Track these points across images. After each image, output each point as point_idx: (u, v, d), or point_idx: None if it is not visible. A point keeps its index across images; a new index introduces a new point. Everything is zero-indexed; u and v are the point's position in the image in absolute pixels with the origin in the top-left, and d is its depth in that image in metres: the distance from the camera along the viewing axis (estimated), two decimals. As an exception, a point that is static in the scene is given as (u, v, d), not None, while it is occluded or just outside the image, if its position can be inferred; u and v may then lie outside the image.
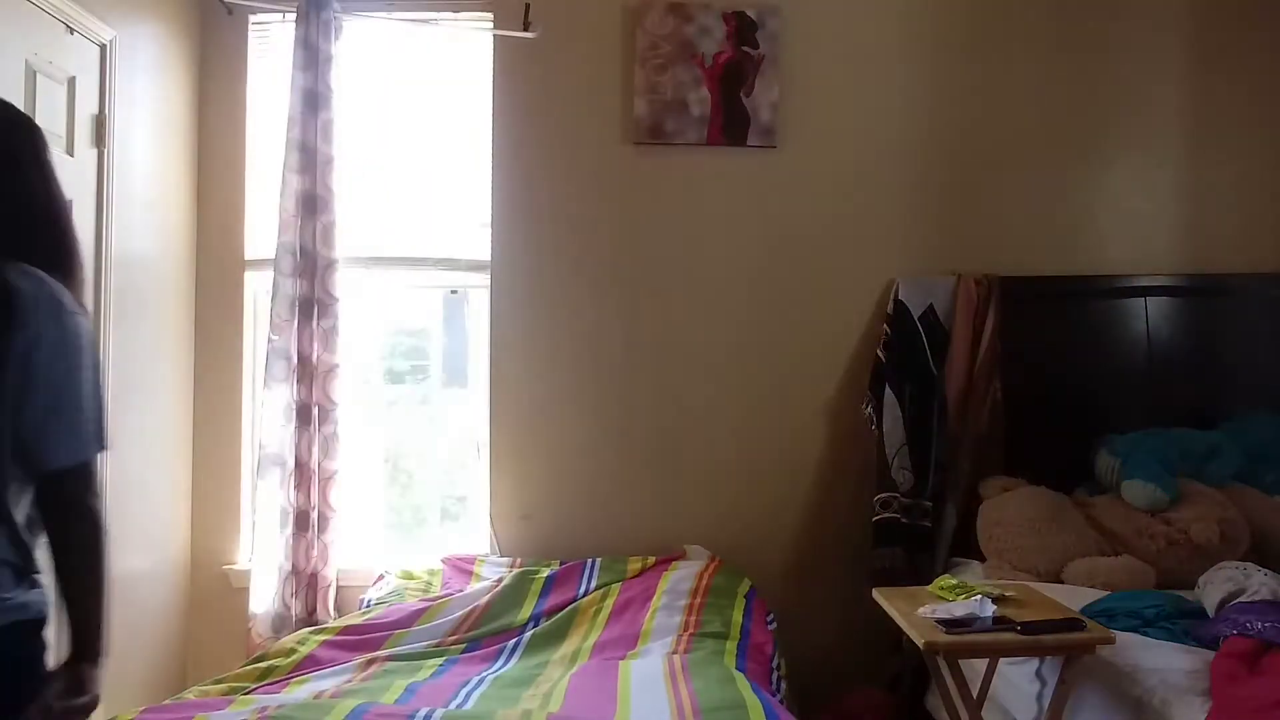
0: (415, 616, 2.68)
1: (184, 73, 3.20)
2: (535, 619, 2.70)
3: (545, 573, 2.92)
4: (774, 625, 2.84)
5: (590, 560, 3.02)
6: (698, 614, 2.64)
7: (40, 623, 1.48)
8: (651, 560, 3.02)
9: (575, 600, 2.78)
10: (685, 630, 2.53)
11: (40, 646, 1.48)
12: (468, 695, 2.15)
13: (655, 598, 2.74)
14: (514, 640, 2.61)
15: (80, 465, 1.47)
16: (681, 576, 2.89)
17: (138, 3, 2.92)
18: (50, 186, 1.54)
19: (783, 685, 2.47)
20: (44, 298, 1.43)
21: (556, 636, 2.62)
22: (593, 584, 2.88)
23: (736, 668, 2.28)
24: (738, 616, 2.70)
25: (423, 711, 1.80)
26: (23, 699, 1.44)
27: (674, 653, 2.37)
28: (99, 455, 1.50)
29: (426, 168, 3.40)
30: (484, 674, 2.32)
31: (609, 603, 2.75)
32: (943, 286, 3.21)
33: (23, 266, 1.43)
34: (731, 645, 2.46)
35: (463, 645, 2.55)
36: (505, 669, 2.39)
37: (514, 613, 2.71)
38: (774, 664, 2.52)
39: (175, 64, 3.15)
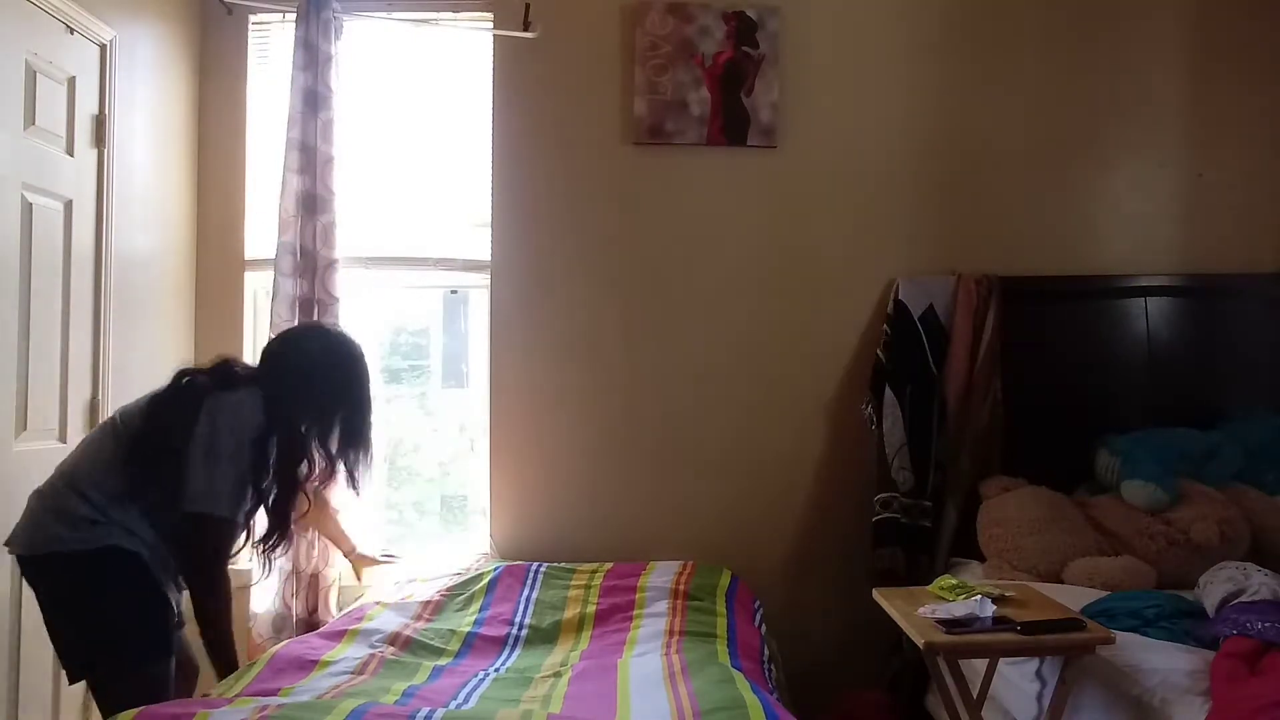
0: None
1: (184, 73, 3.20)
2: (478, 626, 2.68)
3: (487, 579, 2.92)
4: (761, 611, 2.84)
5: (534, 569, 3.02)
6: (681, 616, 2.64)
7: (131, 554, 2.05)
8: (606, 567, 3.01)
9: (513, 616, 2.74)
10: (671, 634, 2.52)
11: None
12: (467, 696, 2.15)
13: (636, 606, 2.73)
14: (508, 642, 2.61)
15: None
16: (659, 577, 2.89)
17: (138, 3, 2.92)
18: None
19: (773, 671, 2.47)
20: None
21: (547, 640, 2.61)
22: (534, 595, 2.86)
23: (731, 665, 2.28)
24: (722, 611, 2.70)
25: (423, 711, 1.80)
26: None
27: (668, 653, 2.37)
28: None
29: (426, 168, 3.40)
30: (481, 676, 2.32)
31: (590, 610, 2.73)
32: (943, 286, 3.21)
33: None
34: (721, 646, 2.46)
35: (456, 649, 2.55)
36: (501, 671, 2.39)
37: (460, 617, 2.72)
38: (764, 655, 2.51)
39: (175, 64, 3.15)
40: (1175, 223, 3.35)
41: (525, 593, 2.86)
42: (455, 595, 2.86)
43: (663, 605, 2.72)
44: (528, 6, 3.18)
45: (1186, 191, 3.36)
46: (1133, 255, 3.32)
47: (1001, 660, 2.38)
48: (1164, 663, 2.08)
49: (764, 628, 2.75)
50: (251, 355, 3.30)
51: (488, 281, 3.31)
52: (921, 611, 2.18)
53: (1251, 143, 3.36)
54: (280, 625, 3.02)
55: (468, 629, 2.63)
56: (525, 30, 3.18)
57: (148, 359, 2.96)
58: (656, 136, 3.25)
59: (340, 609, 3.08)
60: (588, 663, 2.38)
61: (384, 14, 3.24)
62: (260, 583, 2.54)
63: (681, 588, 2.83)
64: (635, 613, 2.70)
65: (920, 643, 2.07)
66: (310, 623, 3.02)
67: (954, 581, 2.36)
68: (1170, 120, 3.36)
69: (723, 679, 2.11)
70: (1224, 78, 3.35)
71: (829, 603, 3.19)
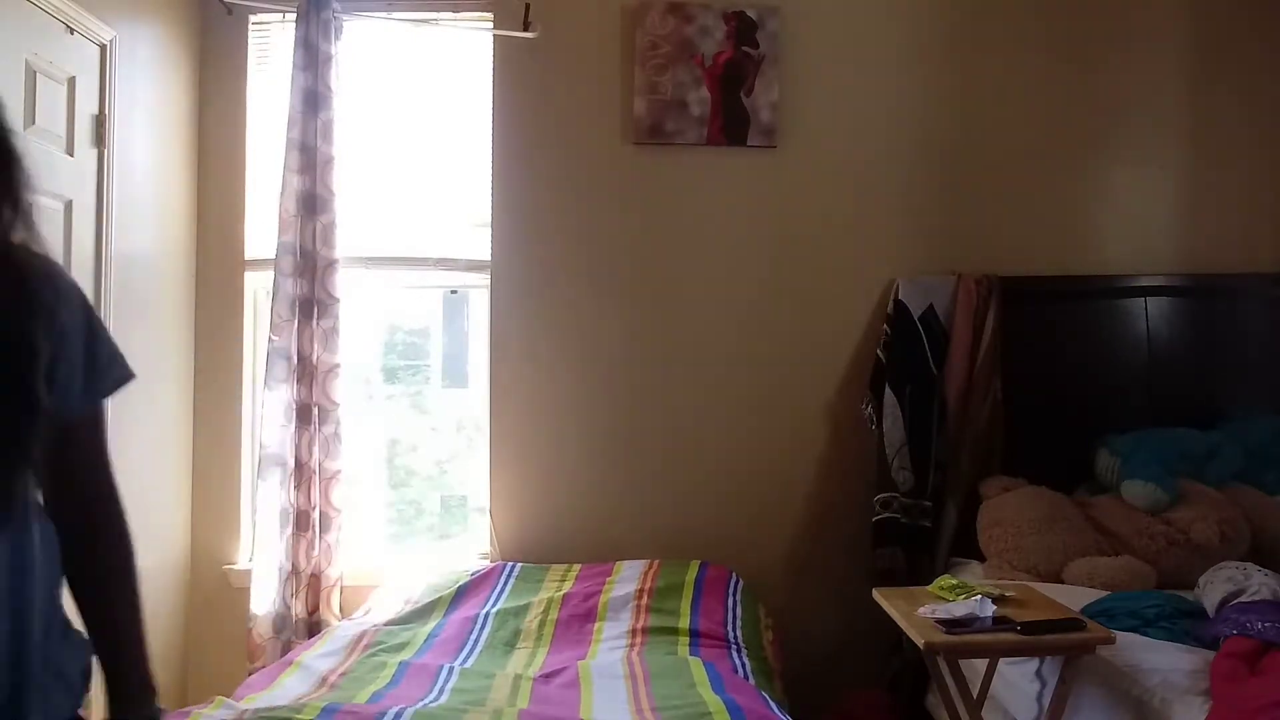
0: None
1: (184, 73, 3.20)
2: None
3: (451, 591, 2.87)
4: (737, 592, 2.83)
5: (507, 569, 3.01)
6: (645, 616, 2.62)
7: None
8: (576, 568, 3.01)
9: (478, 613, 2.68)
10: (634, 637, 2.50)
11: None
12: (441, 689, 2.15)
13: (601, 608, 2.71)
14: (471, 638, 2.56)
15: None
16: (625, 578, 2.88)
17: (138, 3, 2.92)
18: None
19: (745, 658, 2.44)
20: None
21: (506, 645, 2.56)
22: (505, 592, 2.85)
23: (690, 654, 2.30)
24: (685, 608, 2.68)
25: (392, 711, 1.81)
26: None
27: (631, 653, 2.36)
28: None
29: (426, 168, 3.40)
30: (452, 665, 2.32)
31: (553, 615, 2.70)
32: (943, 286, 3.21)
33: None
34: (684, 641, 2.47)
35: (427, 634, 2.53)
36: (468, 663, 2.37)
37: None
38: (730, 638, 2.50)
39: (175, 64, 3.15)
40: (1175, 223, 3.35)
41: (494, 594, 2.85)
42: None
43: (628, 607, 2.71)
44: (528, 6, 3.18)
45: (1186, 191, 3.36)
46: (1133, 255, 3.31)
47: (1001, 660, 2.38)
48: (1164, 663, 2.08)
49: (740, 609, 2.73)
50: (252, 356, 3.31)
51: (488, 281, 3.31)
52: (921, 611, 2.19)
53: (1251, 143, 3.36)
54: (280, 626, 3.02)
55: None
56: (525, 30, 3.18)
57: (148, 359, 2.96)
58: (656, 136, 3.24)
59: (342, 610, 3.08)
60: (549, 665, 2.36)
61: (384, 14, 3.24)
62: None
63: (648, 585, 2.81)
64: (598, 615, 2.68)
65: (920, 643, 2.07)
66: (311, 624, 3.02)
67: (954, 581, 2.36)
68: (1170, 121, 3.35)
69: (686, 683, 2.07)
70: (1224, 78, 3.35)
71: (829, 603, 3.19)
